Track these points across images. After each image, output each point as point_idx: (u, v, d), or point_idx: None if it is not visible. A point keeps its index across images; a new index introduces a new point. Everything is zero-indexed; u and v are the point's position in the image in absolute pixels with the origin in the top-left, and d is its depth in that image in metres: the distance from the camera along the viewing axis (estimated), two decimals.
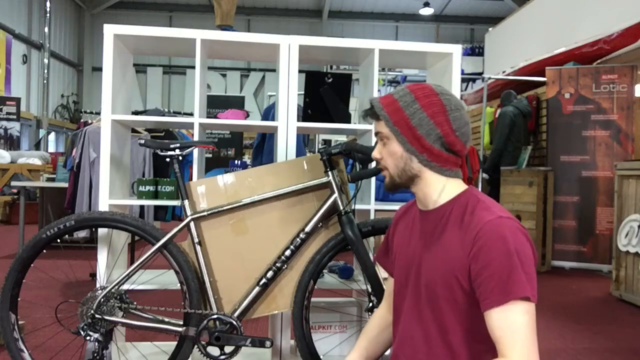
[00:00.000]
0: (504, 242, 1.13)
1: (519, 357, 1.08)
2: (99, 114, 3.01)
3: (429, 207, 1.31)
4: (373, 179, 2.37)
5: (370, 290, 1.94)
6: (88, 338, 1.90)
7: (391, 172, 1.31)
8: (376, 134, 1.33)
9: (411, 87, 1.30)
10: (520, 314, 1.10)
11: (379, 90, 2.38)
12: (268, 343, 1.96)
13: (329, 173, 1.99)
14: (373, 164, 1.87)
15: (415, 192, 1.33)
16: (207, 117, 2.41)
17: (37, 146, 13.17)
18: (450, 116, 1.25)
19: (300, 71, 2.36)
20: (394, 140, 1.28)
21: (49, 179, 7.47)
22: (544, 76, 5.94)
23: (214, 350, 1.94)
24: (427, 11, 16.16)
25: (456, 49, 2.42)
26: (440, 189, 1.28)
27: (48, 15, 14.18)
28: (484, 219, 1.18)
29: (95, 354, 1.91)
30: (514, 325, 1.10)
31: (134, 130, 3.53)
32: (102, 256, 2.23)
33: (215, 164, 5.98)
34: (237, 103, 8.91)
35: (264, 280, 1.98)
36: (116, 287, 1.95)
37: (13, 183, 6.29)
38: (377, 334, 1.50)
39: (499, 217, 1.17)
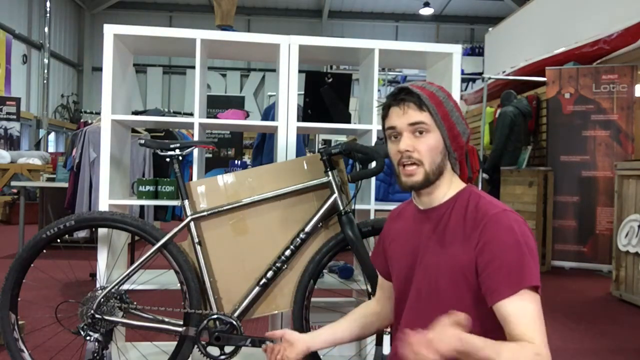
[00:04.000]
0: (511, 233, 1.14)
1: (542, 342, 1.08)
2: (99, 114, 3.01)
3: (432, 205, 1.29)
4: (373, 179, 2.37)
5: (370, 290, 1.94)
6: (88, 338, 1.90)
7: (427, 167, 1.23)
8: (413, 123, 1.23)
9: (436, 85, 1.30)
10: (533, 303, 1.11)
11: (379, 90, 2.38)
12: (268, 343, 1.96)
13: (329, 173, 1.99)
14: (373, 164, 1.87)
15: (423, 192, 1.28)
16: (207, 117, 2.41)
17: (37, 146, 13.16)
18: (465, 119, 1.30)
19: (300, 71, 2.36)
20: (437, 134, 1.23)
21: (49, 179, 7.47)
22: (544, 76, 5.93)
23: (214, 350, 1.94)
24: (427, 11, 16.15)
25: (456, 49, 2.42)
26: (448, 186, 1.29)
27: (48, 15, 14.17)
28: (489, 212, 1.18)
29: (95, 354, 1.91)
30: (530, 312, 1.10)
31: (134, 130, 3.52)
32: (102, 256, 2.23)
33: (215, 164, 5.98)
34: (237, 103, 8.90)
35: (264, 280, 1.98)
36: (116, 287, 1.95)
37: (13, 183, 6.29)
38: (356, 317, 1.51)
39: (503, 210, 1.18)
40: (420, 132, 1.23)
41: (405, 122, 1.24)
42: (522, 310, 1.10)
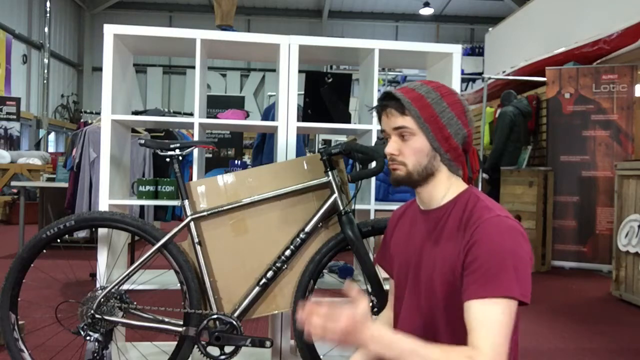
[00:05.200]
0: (499, 238, 1.14)
1: (490, 351, 1.05)
2: (99, 114, 3.01)
3: (432, 206, 1.30)
4: (373, 179, 2.37)
5: (370, 290, 1.94)
6: (88, 338, 1.90)
7: (410, 168, 1.26)
8: (397, 128, 1.26)
9: (432, 84, 1.29)
10: (498, 312, 1.08)
11: (379, 90, 2.38)
12: (268, 343, 1.96)
13: (329, 173, 1.99)
14: (373, 164, 1.87)
15: (421, 191, 1.30)
16: (207, 117, 2.41)
17: (37, 146, 13.16)
18: (468, 116, 1.29)
19: (300, 71, 2.36)
20: (421, 137, 1.25)
21: (49, 179, 7.47)
22: (544, 76, 5.94)
23: (214, 350, 1.94)
24: (427, 11, 16.15)
25: (456, 49, 2.42)
26: (447, 187, 1.29)
27: (48, 15, 14.18)
28: (483, 216, 1.18)
29: (95, 354, 1.91)
30: (490, 320, 1.08)
31: (134, 130, 3.53)
32: (102, 256, 2.23)
33: (215, 164, 5.98)
34: (237, 103, 8.90)
35: (264, 280, 1.98)
36: (116, 287, 1.95)
37: (13, 183, 6.29)
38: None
39: (497, 216, 1.18)
40: (403, 136, 1.26)
41: (390, 127, 1.28)
42: (483, 316, 1.09)
